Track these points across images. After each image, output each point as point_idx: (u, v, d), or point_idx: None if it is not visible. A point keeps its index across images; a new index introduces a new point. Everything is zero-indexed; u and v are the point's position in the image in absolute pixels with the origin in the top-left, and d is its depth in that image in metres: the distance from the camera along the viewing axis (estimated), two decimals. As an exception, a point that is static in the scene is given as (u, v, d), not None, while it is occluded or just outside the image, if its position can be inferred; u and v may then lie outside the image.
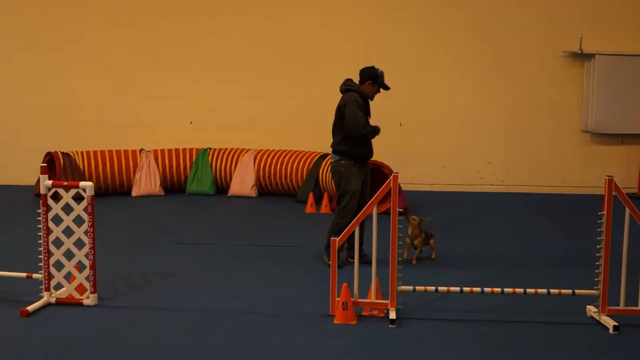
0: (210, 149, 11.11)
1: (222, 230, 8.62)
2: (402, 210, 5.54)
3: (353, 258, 5.83)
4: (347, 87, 6.85)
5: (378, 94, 6.94)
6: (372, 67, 6.82)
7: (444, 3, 11.15)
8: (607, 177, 5.31)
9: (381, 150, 7.33)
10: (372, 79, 6.78)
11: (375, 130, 6.82)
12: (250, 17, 11.37)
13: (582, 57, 11.03)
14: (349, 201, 6.81)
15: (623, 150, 11.20)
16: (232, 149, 11.09)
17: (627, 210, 5.29)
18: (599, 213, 5.37)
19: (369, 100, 6.90)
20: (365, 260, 6.41)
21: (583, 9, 11.03)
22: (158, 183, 10.82)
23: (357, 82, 6.90)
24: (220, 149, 11.09)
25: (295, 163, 10.44)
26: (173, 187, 11.02)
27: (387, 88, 6.89)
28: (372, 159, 7.31)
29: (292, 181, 10.43)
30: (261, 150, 10.91)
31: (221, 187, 11.00)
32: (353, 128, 6.67)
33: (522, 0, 11.10)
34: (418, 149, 11.29)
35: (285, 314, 5.62)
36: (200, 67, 11.45)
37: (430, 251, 7.29)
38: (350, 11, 11.25)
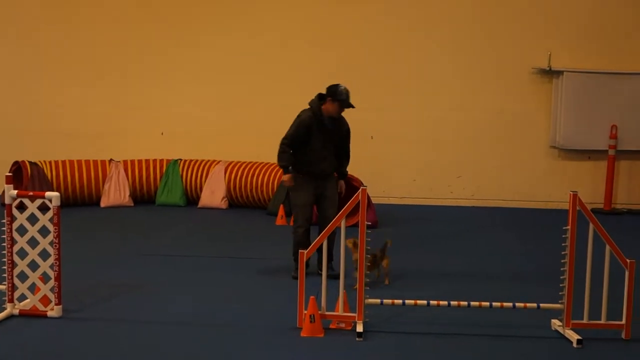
0: (180, 160, 11.05)
1: (191, 242, 8.57)
2: (370, 223, 5.55)
3: (321, 271, 5.84)
4: (309, 103, 6.92)
5: (350, 109, 6.93)
6: (335, 85, 6.83)
7: (416, 18, 11.24)
8: (571, 193, 5.39)
9: (352, 163, 7.33)
10: (332, 95, 6.79)
11: (280, 162, 7.08)
12: (222, 29, 11.35)
13: (550, 73, 11.18)
14: (297, 214, 7.01)
15: (590, 165, 11.35)
16: (203, 160, 11.05)
17: (591, 225, 5.37)
18: (564, 228, 5.45)
19: (334, 117, 6.86)
20: (331, 275, 6.40)
21: (552, 26, 11.20)
22: (127, 194, 10.73)
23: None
24: (191, 160, 11.04)
25: (266, 175, 10.43)
26: (143, 198, 10.93)
27: (348, 106, 6.85)
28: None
29: (263, 193, 10.42)
30: (232, 162, 10.88)
31: (191, 199, 10.94)
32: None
33: (493, 17, 11.23)
34: (389, 162, 11.34)
35: (252, 327, 5.60)
36: (172, 78, 11.39)
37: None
38: (322, 25, 11.29)
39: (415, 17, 11.25)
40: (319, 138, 6.87)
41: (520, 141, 11.35)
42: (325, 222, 6.61)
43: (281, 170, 7.24)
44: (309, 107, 6.95)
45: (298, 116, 6.96)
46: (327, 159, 6.94)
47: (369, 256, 6.08)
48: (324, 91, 6.91)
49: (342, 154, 7.09)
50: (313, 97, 6.94)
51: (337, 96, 6.76)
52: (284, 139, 6.96)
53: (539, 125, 11.31)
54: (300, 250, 5.63)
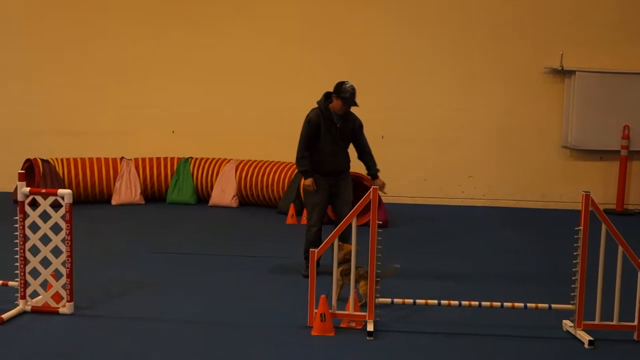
0: (191, 158, 11.08)
1: (202, 240, 8.58)
2: (381, 222, 5.54)
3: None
4: (317, 102, 6.92)
5: (359, 107, 6.93)
6: (341, 82, 6.80)
7: (426, 19, 11.22)
8: (584, 193, 5.36)
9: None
10: (337, 92, 6.79)
11: (300, 167, 6.91)
12: (233, 28, 11.38)
13: (562, 73, 11.13)
14: (311, 214, 7.01)
15: (602, 166, 11.30)
16: (213, 158, 11.07)
17: (604, 226, 5.35)
18: (576, 228, 5.43)
19: (339, 113, 6.84)
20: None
21: (564, 26, 11.15)
22: (138, 192, 10.76)
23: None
24: (202, 159, 11.07)
25: (277, 174, 10.43)
26: (154, 196, 10.96)
27: (352, 104, 6.80)
28: (354, 171, 7.39)
29: (273, 192, 10.43)
30: (243, 160, 10.90)
31: (202, 197, 10.96)
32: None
33: (504, 17, 11.20)
34: (400, 161, 11.31)
35: (262, 325, 5.60)
36: (184, 76, 11.42)
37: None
38: (333, 25, 11.29)
39: (427, 17, 11.22)
40: (328, 136, 6.86)
41: (532, 141, 11.31)
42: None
43: (293, 169, 7.25)
44: (317, 106, 6.95)
45: (306, 116, 6.94)
46: (339, 156, 6.94)
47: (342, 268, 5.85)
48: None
49: (363, 152, 7.11)
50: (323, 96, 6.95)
51: (341, 93, 6.75)
52: (298, 143, 6.92)
53: (551, 125, 11.27)
54: (311, 249, 5.62)
